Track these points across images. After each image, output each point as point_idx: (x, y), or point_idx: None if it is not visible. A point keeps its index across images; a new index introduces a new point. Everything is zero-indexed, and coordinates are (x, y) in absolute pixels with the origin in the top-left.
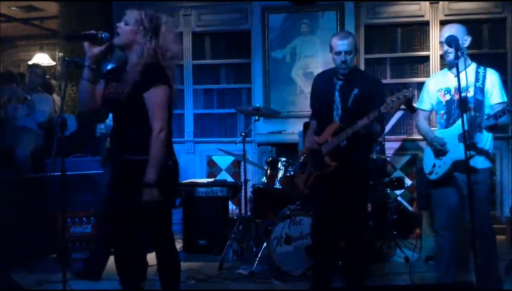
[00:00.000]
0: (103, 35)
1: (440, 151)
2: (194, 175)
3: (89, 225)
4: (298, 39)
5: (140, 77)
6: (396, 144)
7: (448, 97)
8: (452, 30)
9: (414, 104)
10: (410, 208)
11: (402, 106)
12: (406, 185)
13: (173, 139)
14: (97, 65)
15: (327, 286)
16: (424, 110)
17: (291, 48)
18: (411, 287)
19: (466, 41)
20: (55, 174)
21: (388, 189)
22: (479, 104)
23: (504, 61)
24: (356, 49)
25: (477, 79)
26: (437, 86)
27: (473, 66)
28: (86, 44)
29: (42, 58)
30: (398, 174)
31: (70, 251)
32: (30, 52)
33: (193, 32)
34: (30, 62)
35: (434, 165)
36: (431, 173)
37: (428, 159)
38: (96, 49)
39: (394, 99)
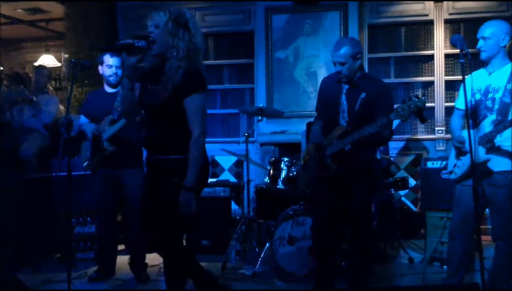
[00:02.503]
0: (139, 44)
1: (460, 150)
2: None
3: (93, 225)
4: (301, 39)
5: (181, 82)
6: (400, 144)
7: (477, 96)
8: (492, 26)
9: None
10: (414, 209)
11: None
12: (410, 185)
13: None
14: (135, 73)
15: (330, 287)
16: (459, 109)
17: (294, 48)
18: (417, 288)
19: (504, 40)
20: (60, 174)
21: (392, 189)
22: (505, 107)
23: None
24: (355, 56)
25: (509, 81)
26: (471, 85)
27: (508, 66)
28: (123, 54)
29: (47, 60)
30: (402, 174)
31: (74, 251)
32: (36, 53)
33: None
34: (36, 64)
35: (455, 165)
36: (451, 172)
37: (452, 158)
38: (134, 59)
39: (405, 107)
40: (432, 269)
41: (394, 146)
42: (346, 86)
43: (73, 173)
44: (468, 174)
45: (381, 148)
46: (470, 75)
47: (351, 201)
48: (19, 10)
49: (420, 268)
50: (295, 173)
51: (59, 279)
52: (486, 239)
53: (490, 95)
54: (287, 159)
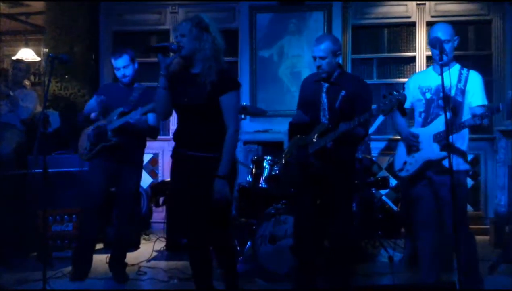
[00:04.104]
0: (173, 46)
1: (412, 147)
2: None
3: (70, 223)
4: (286, 39)
5: (217, 80)
6: (382, 144)
7: (428, 96)
8: (440, 29)
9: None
10: (395, 208)
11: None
12: (391, 185)
13: (159, 136)
14: (169, 73)
15: (310, 286)
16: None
17: (279, 48)
18: (394, 287)
19: (456, 41)
20: (37, 171)
21: (373, 189)
22: (458, 105)
23: (489, 63)
24: (335, 52)
25: (459, 81)
26: (418, 83)
27: (456, 67)
28: (159, 55)
29: (26, 54)
30: (383, 173)
31: (51, 250)
32: (15, 47)
33: None
34: (14, 58)
35: (405, 162)
36: (401, 170)
37: (400, 156)
38: (169, 60)
39: (386, 102)
40: (412, 268)
41: (376, 146)
42: (326, 85)
43: (49, 170)
44: (422, 171)
45: (362, 147)
46: (415, 74)
47: (333, 199)
48: None
49: (400, 267)
50: (277, 172)
51: (35, 278)
52: None
53: (442, 94)
54: (270, 158)
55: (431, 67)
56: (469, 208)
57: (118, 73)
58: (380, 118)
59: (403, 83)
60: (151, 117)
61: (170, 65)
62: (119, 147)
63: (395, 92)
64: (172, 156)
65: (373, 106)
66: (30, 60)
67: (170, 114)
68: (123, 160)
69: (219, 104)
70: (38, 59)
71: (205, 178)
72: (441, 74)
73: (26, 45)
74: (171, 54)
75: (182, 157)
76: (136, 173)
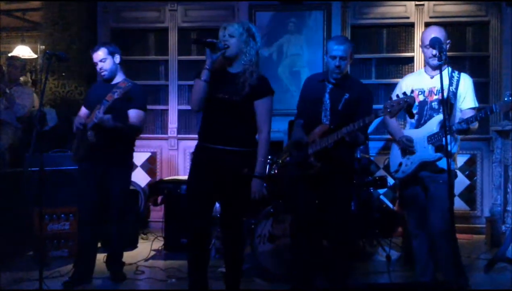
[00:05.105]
0: (220, 45)
1: (407, 149)
2: (177, 171)
3: (67, 222)
4: (285, 38)
5: (256, 85)
6: (380, 144)
7: (421, 98)
8: (434, 32)
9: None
10: (392, 207)
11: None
12: (389, 184)
13: (156, 135)
14: (213, 68)
15: (308, 285)
16: None
17: (278, 46)
18: (391, 285)
19: (448, 44)
20: (33, 169)
21: (371, 188)
22: (451, 108)
23: (487, 65)
24: (352, 55)
25: (451, 83)
26: (411, 85)
27: (447, 70)
28: (208, 50)
29: (23, 51)
30: (381, 173)
31: (47, 249)
32: (11, 44)
33: (179, 28)
34: (10, 54)
35: (400, 164)
36: (397, 171)
37: (395, 157)
38: (215, 56)
39: (394, 104)
40: (410, 267)
41: (374, 146)
42: (330, 86)
43: (46, 168)
44: (417, 172)
45: (361, 147)
46: (406, 76)
47: (332, 199)
48: None
49: (397, 266)
50: (276, 171)
51: (31, 278)
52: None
53: (436, 97)
54: (269, 157)
55: (422, 70)
56: (466, 207)
57: (97, 68)
58: (379, 118)
59: None
60: (132, 114)
61: (216, 61)
62: (102, 147)
63: (403, 95)
64: (196, 151)
65: (379, 107)
66: (26, 57)
67: (202, 107)
68: (108, 161)
69: (252, 106)
70: (35, 56)
71: (232, 171)
72: (440, 73)
73: (23, 42)
74: (217, 51)
75: (209, 151)
76: (123, 174)
